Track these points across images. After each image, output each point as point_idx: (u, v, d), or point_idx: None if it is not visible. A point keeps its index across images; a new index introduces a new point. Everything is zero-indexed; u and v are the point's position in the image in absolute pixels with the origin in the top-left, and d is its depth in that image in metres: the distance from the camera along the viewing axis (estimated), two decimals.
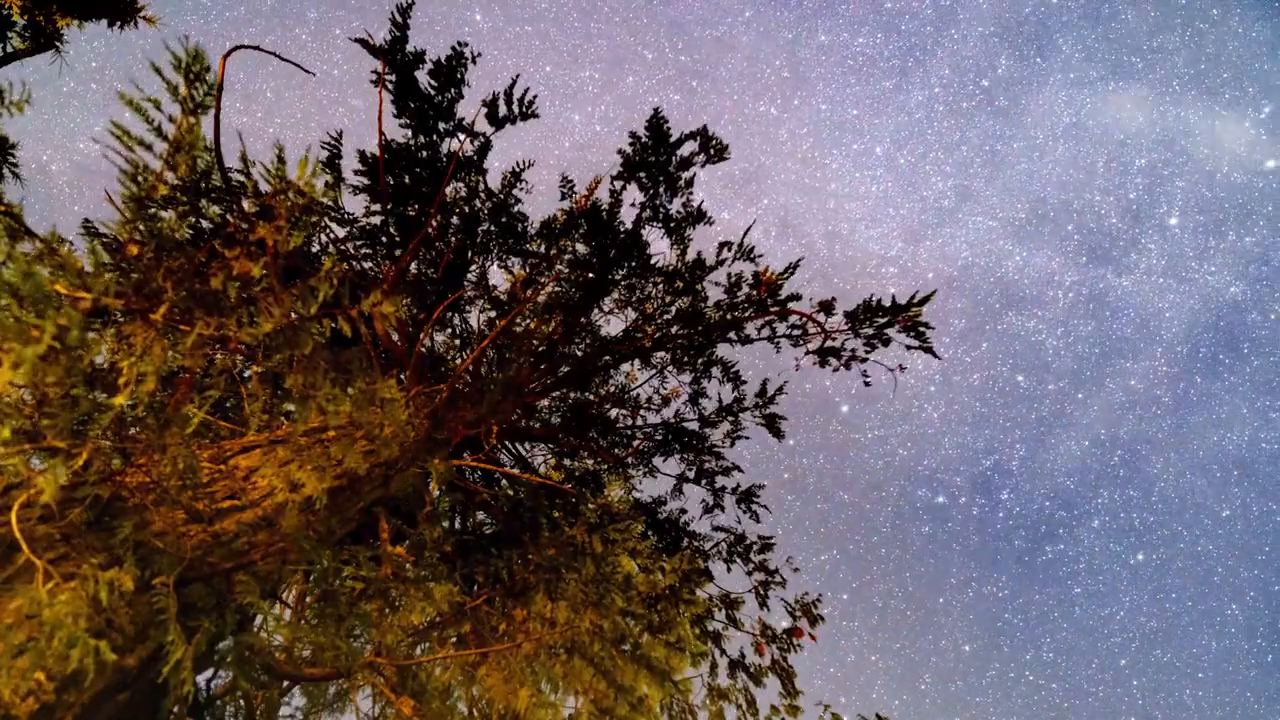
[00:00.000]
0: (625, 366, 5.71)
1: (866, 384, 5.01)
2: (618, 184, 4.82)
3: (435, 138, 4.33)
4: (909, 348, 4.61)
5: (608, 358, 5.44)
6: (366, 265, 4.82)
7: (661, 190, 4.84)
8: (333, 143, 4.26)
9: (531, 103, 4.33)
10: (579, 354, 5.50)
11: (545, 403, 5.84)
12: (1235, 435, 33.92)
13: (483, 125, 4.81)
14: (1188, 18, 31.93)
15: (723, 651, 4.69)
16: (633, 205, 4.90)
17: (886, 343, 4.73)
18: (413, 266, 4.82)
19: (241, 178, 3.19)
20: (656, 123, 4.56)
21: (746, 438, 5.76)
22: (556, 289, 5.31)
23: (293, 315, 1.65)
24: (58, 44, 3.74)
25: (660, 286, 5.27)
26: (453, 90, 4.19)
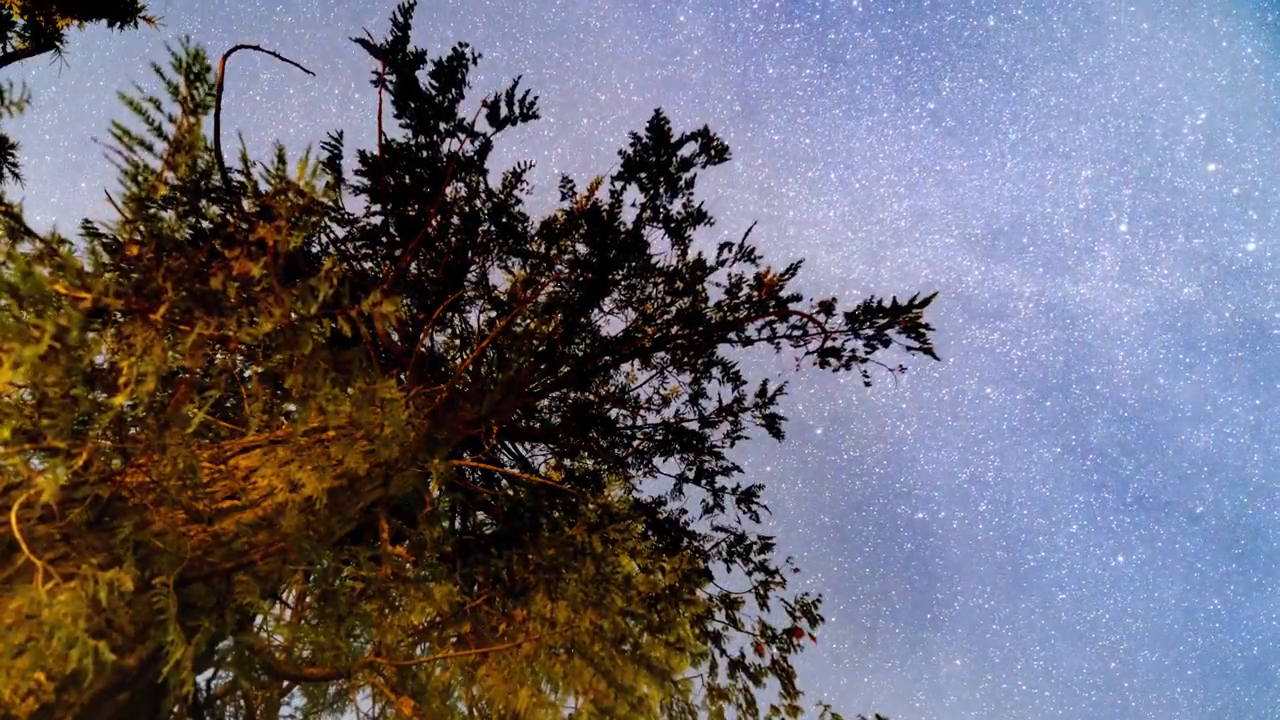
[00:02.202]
0: (625, 366, 5.71)
1: (867, 384, 5.01)
2: (618, 184, 4.82)
3: (435, 138, 4.34)
4: (909, 349, 4.61)
5: (608, 358, 5.44)
6: (366, 265, 4.82)
7: (662, 190, 4.84)
8: (333, 143, 4.26)
9: (533, 104, 4.33)
10: (579, 354, 5.49)
11: (545, 403, 5.84)
12: (1202, 432, 34.67)
13: (483, 126, 4.81)
14: (1119, 33, 33.18)
15: (723, 651, 4.68)
16: (633, 205, 4.90)
17: (887, 344, 4.73)
18: (413, 266, 4.82)
19: (241, 178, 3.19)
20: (657, 123, 4.57)
21: (747, 438, 5.77)
22: (556, 289, 5.31)
23: (293, 315, 1.65)
24: (58, 44, 3.74)
25: (660, 287, 5.27)
26: (453, 90, 4.19)
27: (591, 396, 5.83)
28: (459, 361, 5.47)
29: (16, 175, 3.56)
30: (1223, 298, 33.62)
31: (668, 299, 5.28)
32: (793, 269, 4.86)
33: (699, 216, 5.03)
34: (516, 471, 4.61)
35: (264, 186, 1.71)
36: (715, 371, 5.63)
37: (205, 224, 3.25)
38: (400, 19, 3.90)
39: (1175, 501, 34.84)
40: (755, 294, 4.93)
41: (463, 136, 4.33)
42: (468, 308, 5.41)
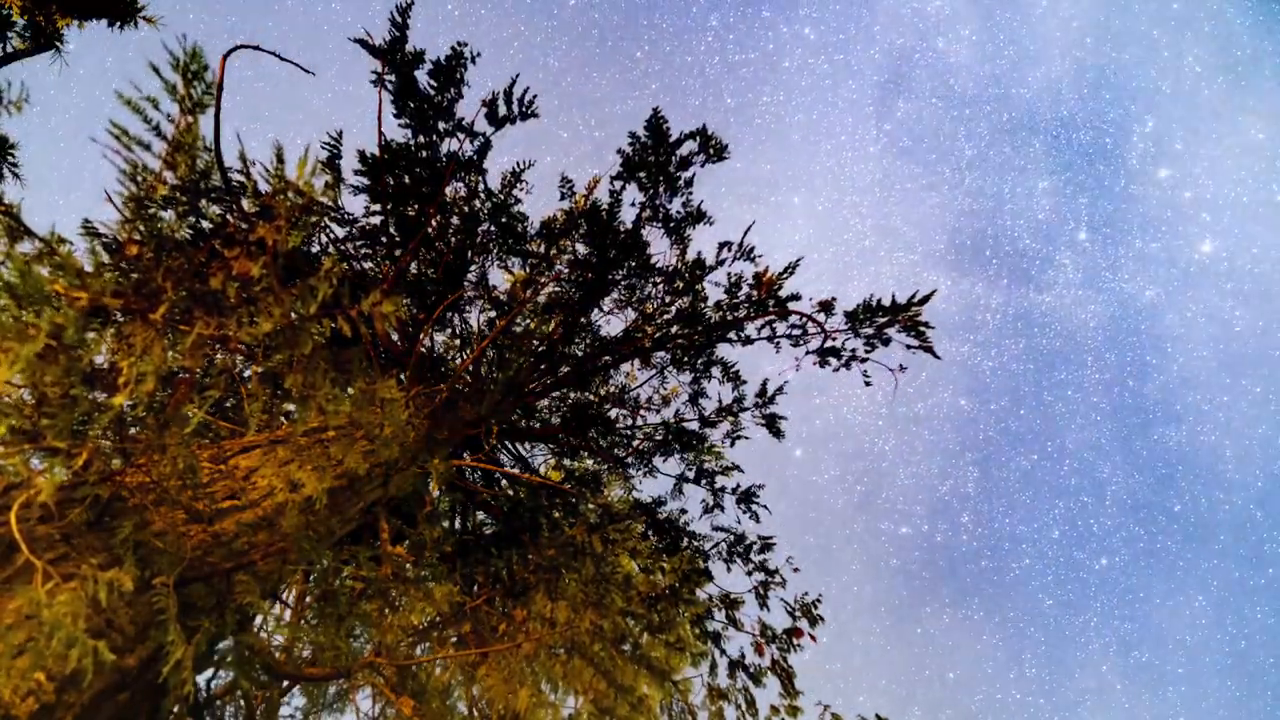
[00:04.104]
0: (625, 366, 5.71)
1: (867, 383, 5.01)
2: (617, 184, 4.82)
3: (435, 138, 4.33)
4: (909, 348, 4.61)
5: (608, 358, 5.44)
6: (366, 265, 4.82)
7: (661, 190, 4.84)
8: (332, 143, 4.26)
9: (531, 102, 4.33)
10: (579, 354, 5.49)
11: (545, 403, 5.84)
12: (1173, 431, 35.44)
13: (483, 125, 4.82)
14: (1064, 48, 34.37)
15: (723, 651, 4.68)
16: (632, 205, 4.90)
17: (887, 342, 4.73)
18: (413, 266, 4.82)
19: (241, 178, 3.19)
20: (656, 122, 4.56)
21: (747, 438, 5.77)
22: (556, 289, 5.31)
23: (293, 315, 1.65)
24: (58, 44, 3.74)
25: (660, 286, 5.27)
26: (452, 90, 4.19)
27: (591, 396, 5.83)
28: (459, 361, 5.47)
29: (17, 175, 3.56)
30: (1183, 299, 34.67)
31: (667, 299, 5.28)
32: (792, 267, 4.86)
33: (698, 216, 5.03)
34: (516, 471, 4.61)
35: (263, 186, 1.71)
36: (715, 371, 5.63)
37: (205, 224, 3.25)
38: (399, 18, 3.90)
39: (1153, 501, 35.63)
40: (755, 293, 4.93)
41: (462, 136, 4.33)
42: (468, 308, 5.40)
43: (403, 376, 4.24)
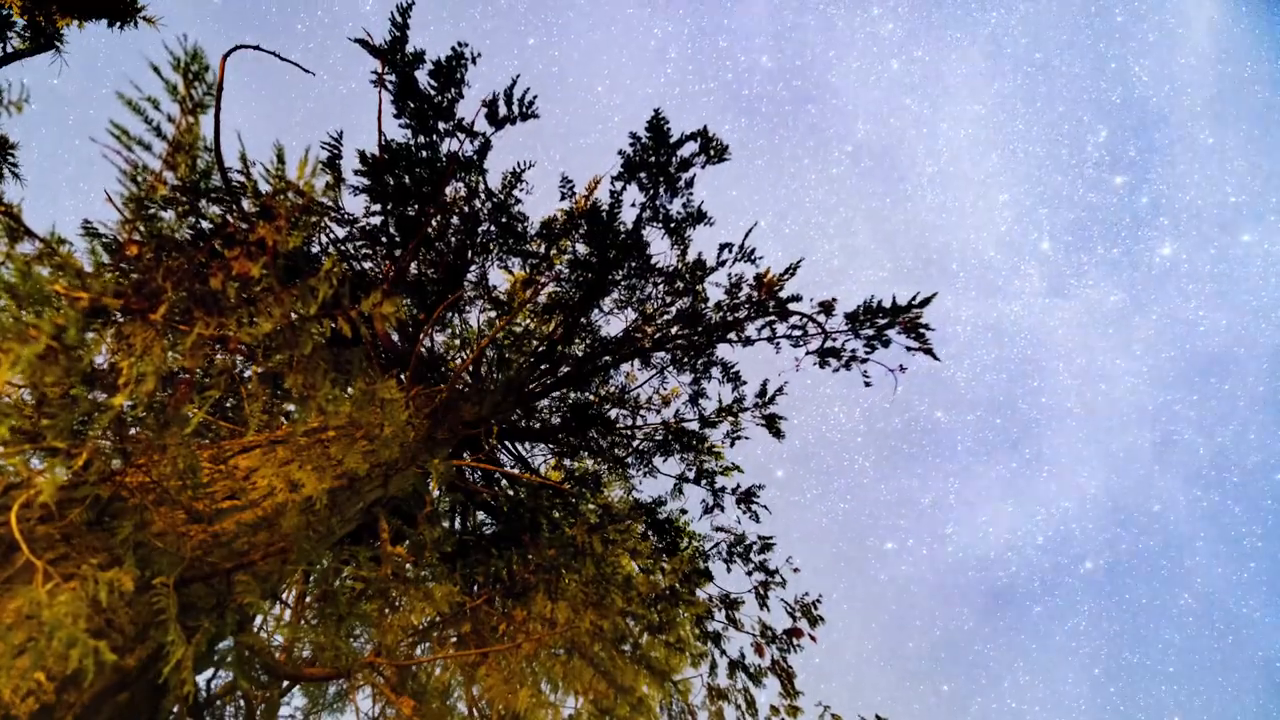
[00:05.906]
0: (625, 366, 5.71)
1: (867, 384, 5.01)
2: (618, 184, 4.82)
3: (435, 138, 4.33)
4: (909, 349, 4.61)
5: (608, 358, 5.44)
6: (366, 265, 4.82)
7: (662, 190, 4.84)
8: (333, 143, 4.26)
9: (531, 103, 4.33)
10: (579, 354, 5.49)
11: (545, 403, 5.84)
12: (1148, 432, 35.92)
13: (483, 125, 4.81)
14: (1015, 64, 35.51)
15: (723, 652, 4.69)
16: (633, 206, 4.90)
17: (887, 344, 4.73)
18: (413, 266, 4.82)
19: (241, 178, 3.19)
20: (657, 123, 4.56)
21: (746, 438, 5.77)
22: (556, 289, 5.31)
23: (293, 315, 1.65)
24: (58, 44, 3.74)
25: (660, 287, 5.27)
26: (453, 90, 4.19)
27: (591, 396, 5.83)
28: (459, 361, 5.47)
29: (16, 175, 3.56)
30: (1148, 302, 35.51)
31: (668, 299, 5.28)
32: (793, 269, 4.86)
33: (699, 216, 5.03)
34: (516, 471, 4.62)
35: (264, 186, 1.72)
36: (715, 371, 5.63)
37: (205, 224, 3.25)
38: (399, 18, 3.90)
39: (1133, 503, 36.05)
40: (755, 294, 4.93)
41: (462, 136, 4.33)
42: (468, 308, 5.40)
43: (403, 376, 4.24)
